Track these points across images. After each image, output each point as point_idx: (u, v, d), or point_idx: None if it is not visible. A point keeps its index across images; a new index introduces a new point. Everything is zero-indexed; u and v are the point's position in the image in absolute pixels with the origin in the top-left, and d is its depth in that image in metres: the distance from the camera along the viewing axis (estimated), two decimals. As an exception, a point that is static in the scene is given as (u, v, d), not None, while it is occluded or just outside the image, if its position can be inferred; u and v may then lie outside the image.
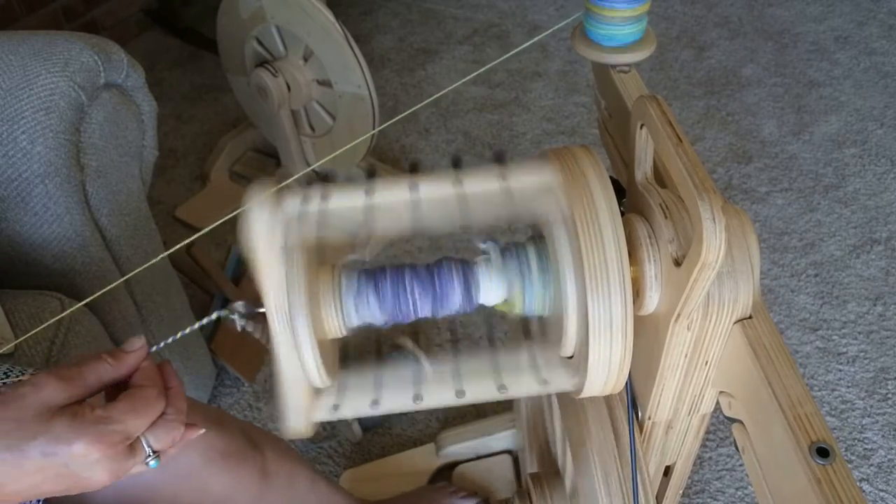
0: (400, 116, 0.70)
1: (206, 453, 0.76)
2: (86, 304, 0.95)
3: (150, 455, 0.49)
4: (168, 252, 0.61)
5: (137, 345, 0.51)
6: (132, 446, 0.48)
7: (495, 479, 1.20)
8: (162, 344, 0.54)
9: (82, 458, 0.46)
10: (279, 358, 0.49)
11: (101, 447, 0.46)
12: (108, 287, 0.58)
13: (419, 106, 0.66)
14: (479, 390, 0.51)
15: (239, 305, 0.51)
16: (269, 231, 0.48)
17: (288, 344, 0.48)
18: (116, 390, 0.50)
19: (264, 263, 0.48)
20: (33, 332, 0.61)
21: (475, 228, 0.49)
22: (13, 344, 0.69)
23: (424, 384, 0.51)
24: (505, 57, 0.82)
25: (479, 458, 1.23)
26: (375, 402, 0.51)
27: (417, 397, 0.50)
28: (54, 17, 2.09)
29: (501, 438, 1.23)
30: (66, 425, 0.45)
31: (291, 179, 0.51)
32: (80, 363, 0.49)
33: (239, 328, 0.52)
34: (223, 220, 0.56)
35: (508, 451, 1.23)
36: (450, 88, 0.69)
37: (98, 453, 0.46)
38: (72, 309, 0.86)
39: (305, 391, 0.50)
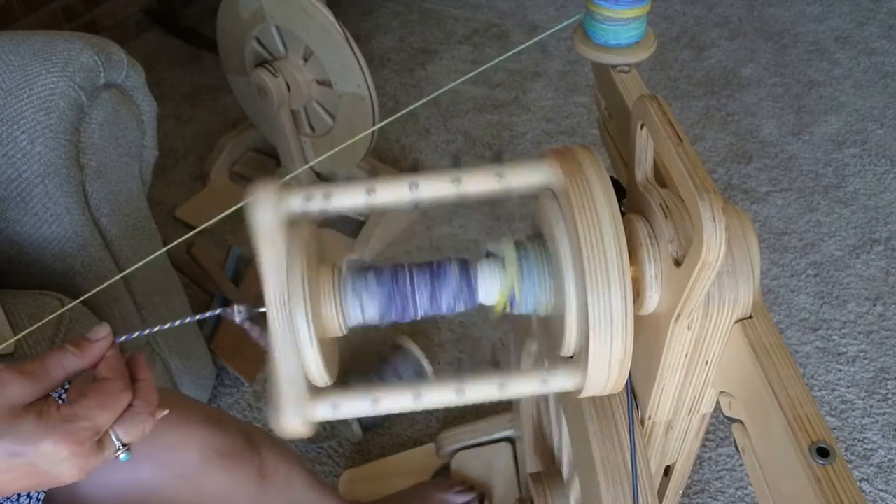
0: (399, 115, 0.70)
1: (204, 453, 0.76)
2: (86, 305, 0.95)
3: (119, 448, 0.49)
4: (167, 247, 0.61)
5: (102, 333, 0.50)
6: (101, 441, 0.48)
7: (494, 471, 1.20)
8: (132, 335, 0.52)
9: (51, 457, 0.46)
10: (277, 356, 0.49)
11: (69, 445, 0.46)
12: (106, 283, 0.58)
13: (418, 104, 0.66)
14: (480, 389, 0.51)
15: (239, 309, 0.51)
16: (272, 226, 0.48)
17: (287, 342, 0.48)
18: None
19: (266, 259, 0.48)
20: (31, 329, 0.61)
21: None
22: (12, 341, 0.69)
23: (425, 383, 0.51)
24: (505, 56, 0.82)
25: (479, 444, 1.22)
26: (375, 401, 0.50)
27: (417, 396, 0.50)
28: (54, 17, 2.09)
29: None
30: (33, 424, 0.45)
31: (292, 175, 0.51)
32: (44, 357, 0.48)
33: (238, 321, 0.51)
34: (223, 215, 0.55)
35: (508, 439, 1.23)
36: (450, 87, 0.69)
37: (66, 451, 0.46)
38: (69, 305, 0.86)
39: (303, 390, 0.50)
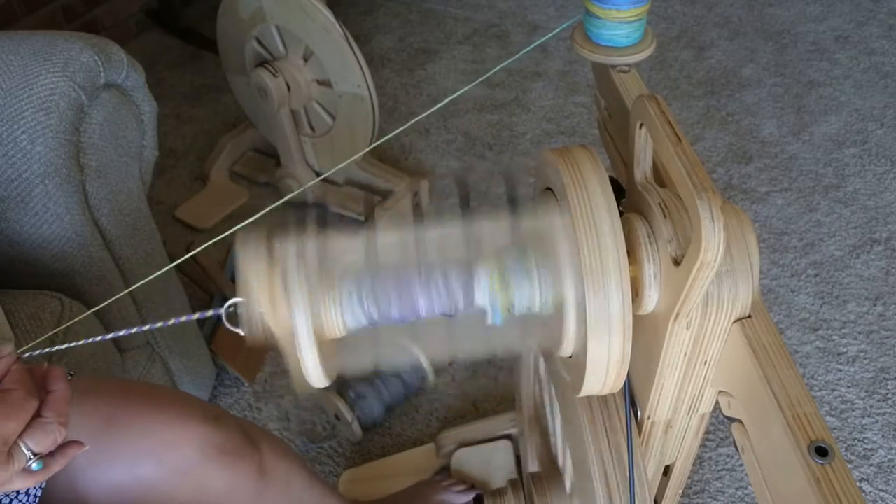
0: (407, 125, 0.70)
1: (203, 449, 0.75)
2: (85, 304, 0.95)
3: (30, 458, 0.49)
4: (175, 263, 0.61)
5: (5, 351, 0.51)
6: (10, 452, 0.48)
7: (494, 469, 1.20)
8: (32, 351, 0.53)
9: None
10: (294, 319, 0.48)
11: None
12: (116, 297, 0.59)
13: (425, 114, 0.66)
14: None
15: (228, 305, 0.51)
16: (262, 285, 0.48)
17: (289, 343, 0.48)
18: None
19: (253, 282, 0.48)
20: (38, 341, 0.61)
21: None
22: (11, 343, 0.69)
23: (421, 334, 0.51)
24: (508, 62, 0.82)
25: (479, 442, 1.22)
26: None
27: (414, 337, 0.50)
28: (54, 17, 2.09)
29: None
30: None
31: (300, 190, 0.51)
32: None
33: (227, 325, 0.51)
34: (231, 231, 0.55)
35: (508, 437, 1.22)
36: (458, 94, 0.69)
37: None
38: (77, 319, 0.86)
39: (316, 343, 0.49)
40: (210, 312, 0.52)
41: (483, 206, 0.50)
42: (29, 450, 0.49)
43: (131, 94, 1.04)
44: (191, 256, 0.59)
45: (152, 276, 0.60)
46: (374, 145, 0.74)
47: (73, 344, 0.54)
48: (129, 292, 1.08)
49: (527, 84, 2.04)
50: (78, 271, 0.99)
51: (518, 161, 1.78)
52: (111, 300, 0.59)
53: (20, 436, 0.49)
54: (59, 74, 0.92)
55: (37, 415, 0.50)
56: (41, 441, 0.49)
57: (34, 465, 0.50)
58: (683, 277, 0.47)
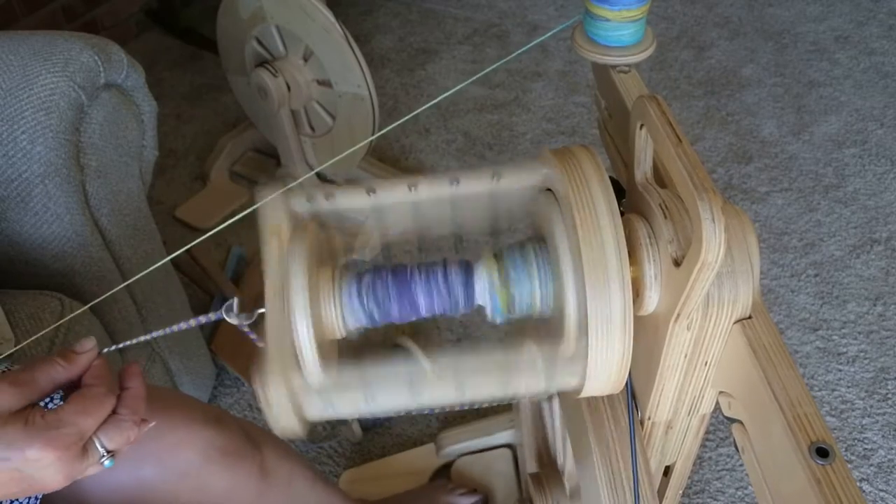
0: (403, 120, 0.70)
1: (205, 451, 0.76)
2: (85, 304, 0.95)
3: (104, 455, 0.50)
4: (174, 255, 0.61)
5: (88, 346, 0.51)
6: (85, 447, 0.49)
7: (495, 475, 1.20)
8: (114, 347, 0.54)
9: (36, 463, 0.46)
10: (270, 352, 0.48)
11: (54, 451, 0.46)
12: (114, 290, 0.59)
13: (423, 108, 0.66)
14: (481, 389, 0.51)
15: (233, 303, 0.51)
16: (279, 227, 0.49)
17: (283, 340, 0.48)
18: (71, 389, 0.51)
19: (270, 261, 0.48)
20: (35, 336, 0.61)
21: (471, 228, 0.49)
22: (12, 346, 0.69)
23: (425, 382, 0.51)
24: (506, 60, 0.82)
25: (478, 451, 1.22)
26: (371, 399, 0.50)
27: (416, 394, 0.50)
28: (54, 17, 2.09)
29: (501, 438, 1.23)
30: (19, 431, 0.46)
31: (297, 183, 0.51)
32: (33, 367, 0.49)
33: (235, 322, 0.51)
34: (231, 222, 0.55)
35: (508, 445, 1.23)
36: (455, 90, 0.69)
37: (51, 457, 0.47)
38: (75, 313, 0.86)
39: (297, 388, 0.50)
40: (214, 316, 0.52)
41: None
42: (102, 446, 0.49)
43: (131, 94, 1.04)
44: (185, 251, 0.59)
45: (148, 270, 0.60)
46: (366, 142, 0.74)
47: (119, 345, 0.54)
48: (130, 293, 1.08)
49: (527, 84, 2.04)
50: (78, 271, 0.99)
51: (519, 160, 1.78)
52: (106, 294, 0.59)
53: (95, 431, 0.49)
54: (59, 74, 0.92)
55: (113, 411, 0.50)
56: (115, 438, 0.50)
57: (106, 463, 0.50)
58: (684, 278, 0.47)
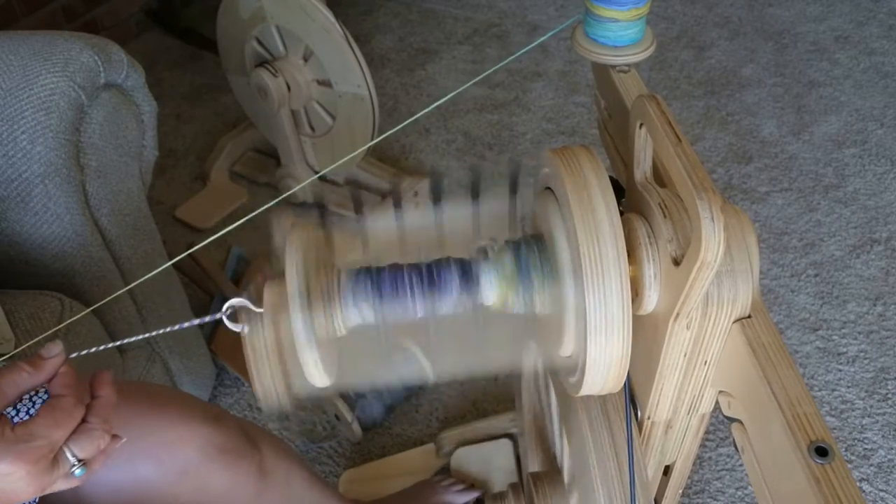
0: (405, 123, 0.70)
1: (204, 449, 0.75)
2: (85, 304, 0.95)
3: (74, 465, 0.49)
4: (175, 260, 0.61)
5: (55, 351, 0.51)
6: (56, 458, 0.48)
7: (494, 468, 1.20)
8: (85, 351, 0.53)
9: (7, 477, 0.46)
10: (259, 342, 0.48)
11: (25, 464, 0.46)
12: (116, 293, 0.59)
13: (425, 112, 0.66)
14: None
15: (239, 300, 0.51)
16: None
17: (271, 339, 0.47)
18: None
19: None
20: (38, 339, 0.61)
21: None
22: (12, 345, 0.69)
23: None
24: (507, 61, 0.82)
25: (479, 441, 1.22)
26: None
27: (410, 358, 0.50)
28: (54, 17, 2.09)
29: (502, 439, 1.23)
30: None
31: (300, 185, 0.51)
32: None
33: (230, 326, 0.51)
34: (237, 224, 0.55)
35: (508, 435, 1.22)
36: (457, 92, 0.69)
37: (22, 471, 0.46)
38: (75, 318, 0.86)
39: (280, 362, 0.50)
40: (217, 316, 0.52)
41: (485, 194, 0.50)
42: (73, 455, 0.49)
43: (131, 94, 1.04)
44: (188, 255, 0.59)
45: (151, 274, 0.60)
46: (369, 145, 0.74)
47: (83, 352, 0.54)
48: (130, 293, 1.08)
49: (527, 84, 2.04)
50: (78, 271, 0.99)
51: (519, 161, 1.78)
52: (109, 298, 0.59)
53: (66, 441, 0.49)
54: (59, 74, 0.92)
55: (83, 419, 0.50)
56: (86, 447, 0.49)
57: (77, 472, 0.49)
58: (683, 277, 0.47)
